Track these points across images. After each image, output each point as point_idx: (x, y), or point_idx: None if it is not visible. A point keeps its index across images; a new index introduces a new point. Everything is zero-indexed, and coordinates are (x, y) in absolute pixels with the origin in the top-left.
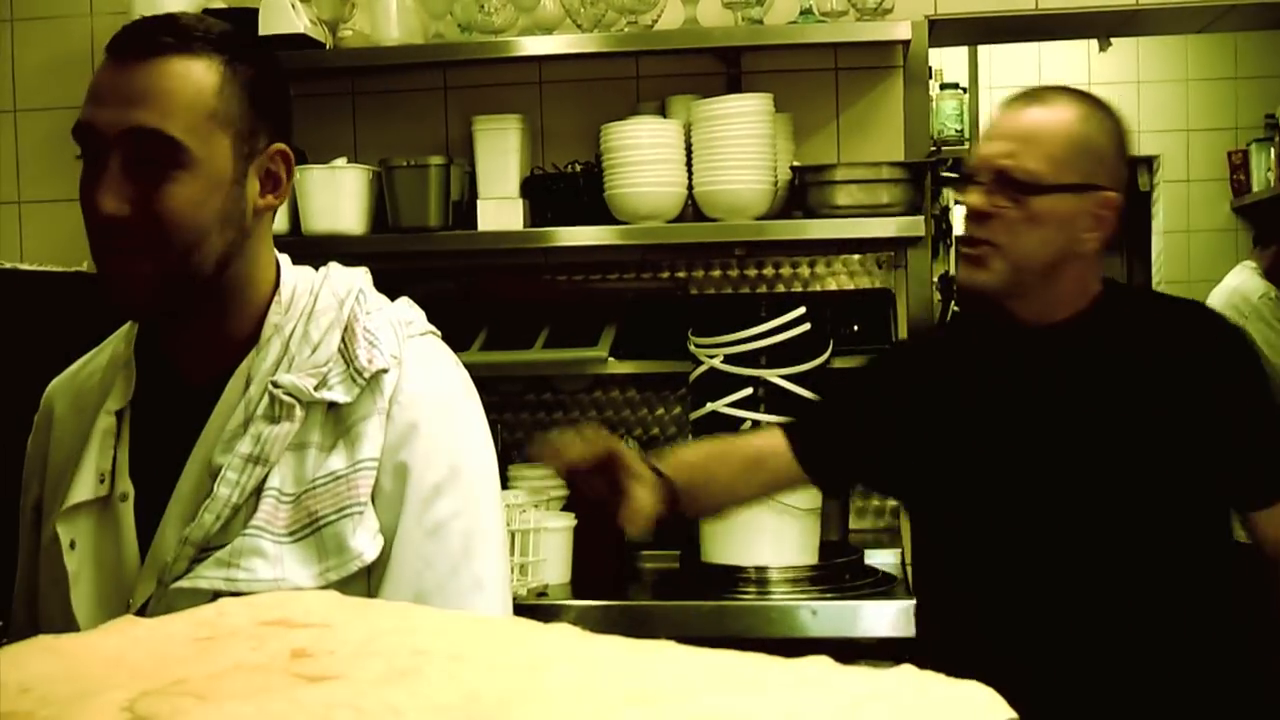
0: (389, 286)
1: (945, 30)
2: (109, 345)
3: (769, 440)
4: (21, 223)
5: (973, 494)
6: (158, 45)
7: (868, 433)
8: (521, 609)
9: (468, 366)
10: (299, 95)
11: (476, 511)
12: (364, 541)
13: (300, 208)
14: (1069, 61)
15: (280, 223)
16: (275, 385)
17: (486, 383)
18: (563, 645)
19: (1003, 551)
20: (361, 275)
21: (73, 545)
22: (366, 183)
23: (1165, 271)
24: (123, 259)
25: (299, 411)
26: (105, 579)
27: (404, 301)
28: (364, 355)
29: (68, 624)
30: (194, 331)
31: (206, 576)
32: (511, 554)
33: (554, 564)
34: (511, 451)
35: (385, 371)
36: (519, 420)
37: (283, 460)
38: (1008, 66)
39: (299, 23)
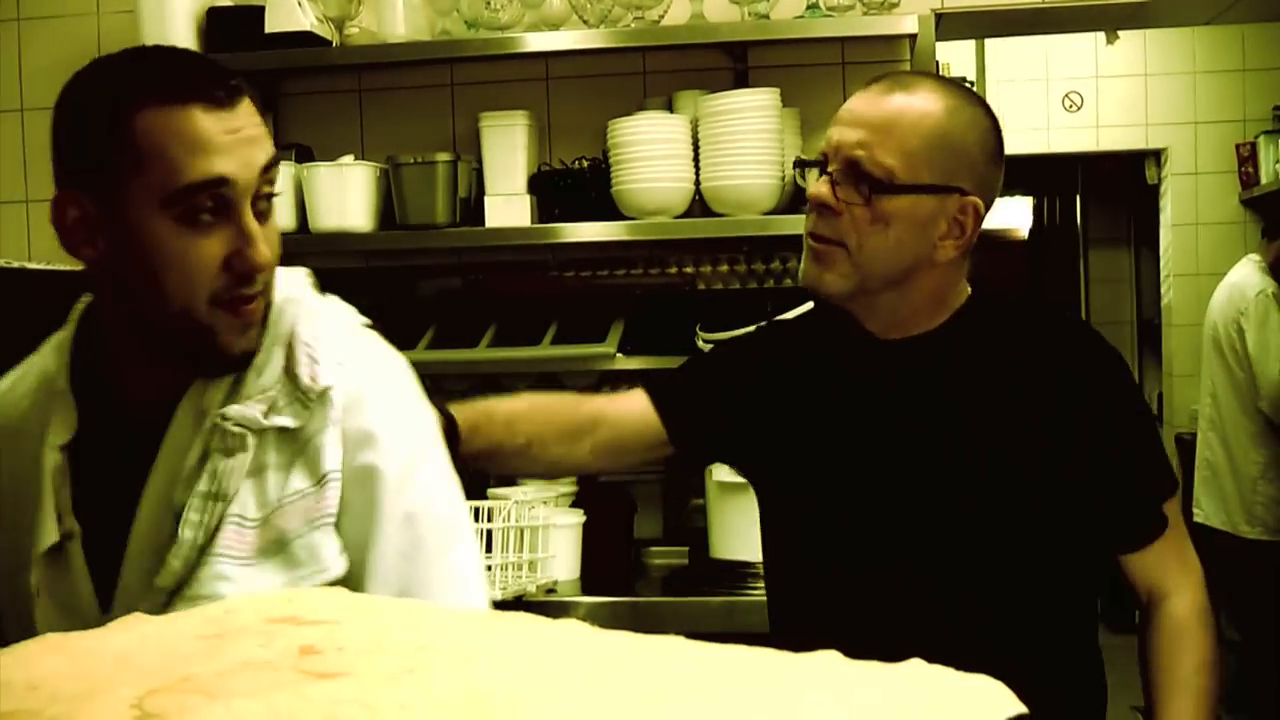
0: (396, 283)
1: (952, 24)
2: (30, 367)
3: (625, 402)
4: (29, 221)
5: (815, 498)
6: (238, 88)
7: (731, 406)
8: (530, 605)
9: (475, 364)
10: (306, 93)
11: (443, 501)
12: (334, 554)
13: (307, 205)
14: (1076, 55)
15: (288, 220)
16: (224, 418)
17: (494, 379)
18: (572, 642)
19: (841, 564)
20: (300, 280)
21: (37, 593)
22: (374, 180)
23: (1174, 265)
24: (255, 305)
25: (251, 440)
26: (64, 622)
27: (335, 301)
28: (306, 374)
29: None
30: (139, 365)
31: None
32: (520, 550)
33: (563, 560)
34: None
35: (329, 387)
36: None
37: (242, 488)
38: (1014, 60)
39: (305, 20)
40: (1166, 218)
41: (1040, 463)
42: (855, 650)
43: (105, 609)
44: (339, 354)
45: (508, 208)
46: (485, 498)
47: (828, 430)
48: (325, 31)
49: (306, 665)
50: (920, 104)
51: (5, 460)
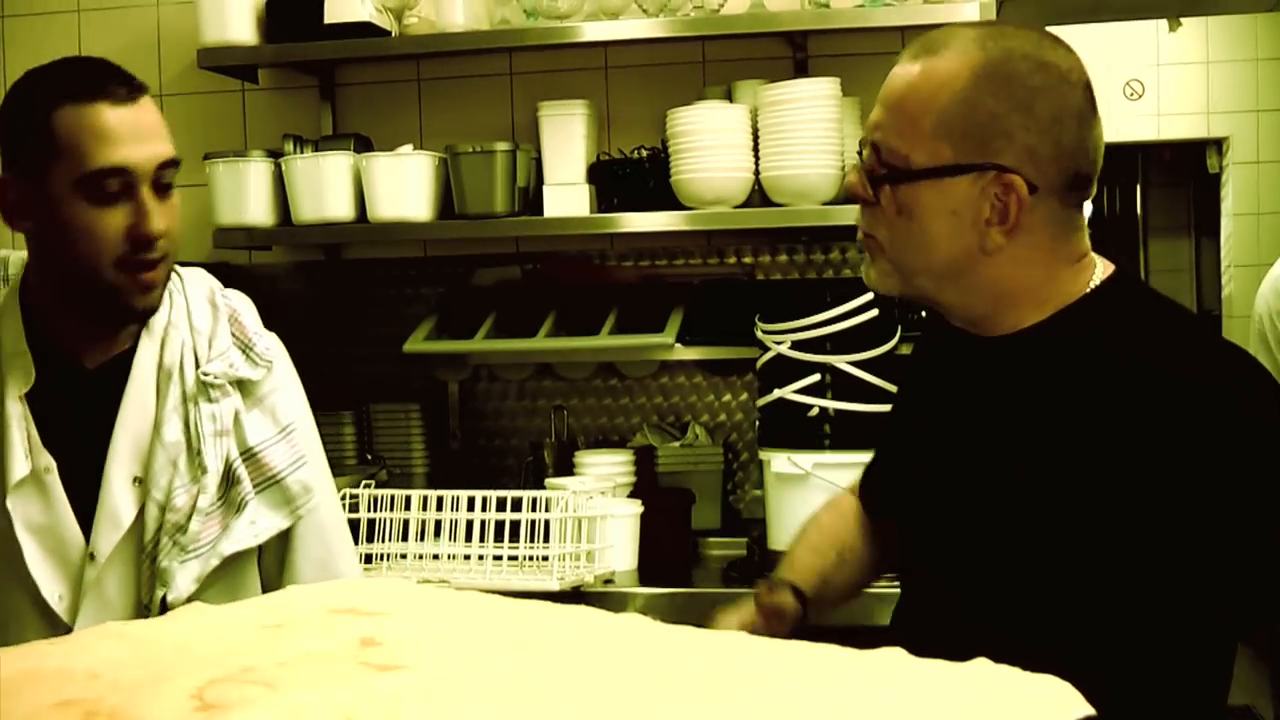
0: (455, 273)
1: (1014, 11)
2: None
3: (849, 511)
4: None
5: (909, 498)
6: (140, 88)
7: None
8: (588, 596)
9: (534, 352)
10: (364, 83)
11: (324, 462)
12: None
13: (366, 195)
14: (1137, 42)
15: (346, 209)
16: (206, 374)
17: (553, 368)
18: (633, 636)
19: (913, 568)
20: (204, 271)
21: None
22: (433, 169)
23: (1235, 255)
24: (155, 272)
25: (231, 388)
26: (46, 544)
27: (236, 292)
28: (260, 345)
29: (28, 591)
30: (87, 325)
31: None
32: (578, 541)
33: (621, 551)
34: (578, 437)
35: (274, 358)
36: (585, 406)
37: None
38: (1077, 47)
39: (364, 10)
40: (1228, 207)
41: (1084, 511)
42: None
43: (86, 534)
44: (260, 331)
45: (566, 197)
46: (543, 488)
47: (924, 428)
48: (384, 21)
49: (367, 657)
50: (942, 69)
51: None
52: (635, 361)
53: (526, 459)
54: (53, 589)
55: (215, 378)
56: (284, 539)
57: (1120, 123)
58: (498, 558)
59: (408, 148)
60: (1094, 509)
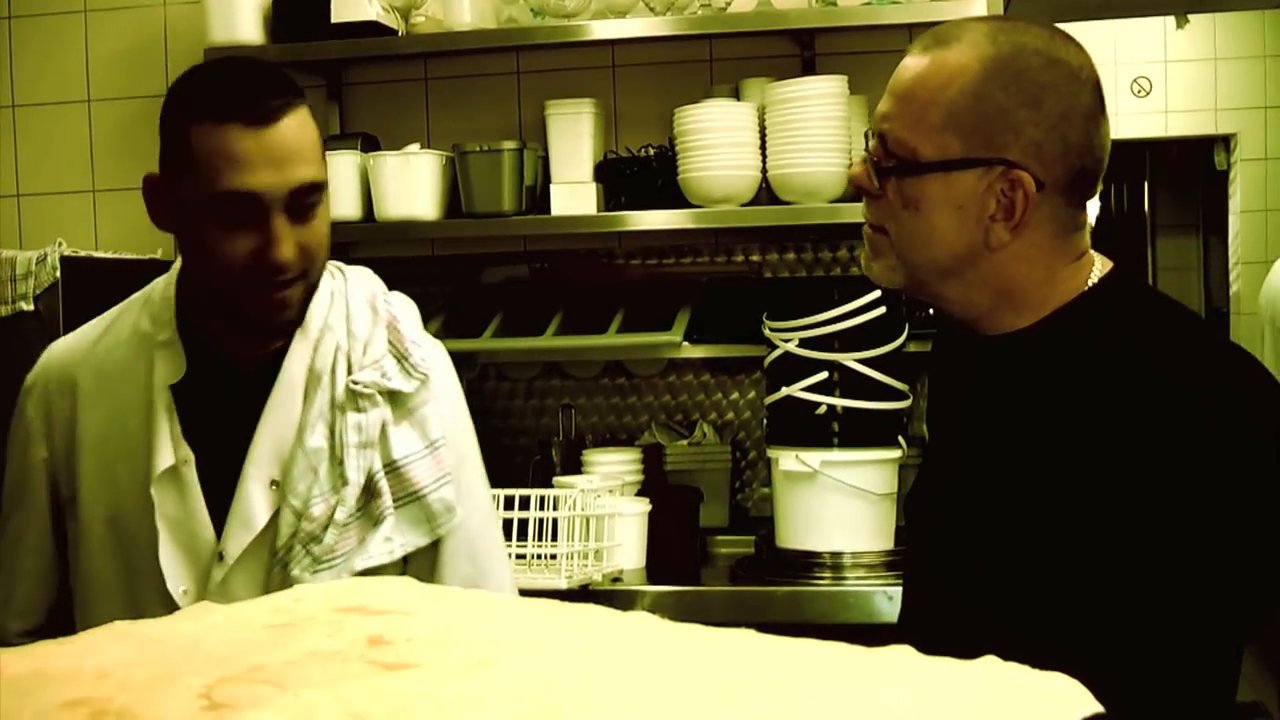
0: (462, 272)
1: (1022, 9)
2: (119, 321)
3: None
4: (96, 211)
5: (915, 496)
6: (283, 107)
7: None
8: (596, 594)
9: (542, 351)
10: (371, 82)
11: (485, 482)
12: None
13: (374, 194)
14: (1145, 39)
15: (353, 209)
16: (356, 383)
17: (561, 367)
18: (642, 635)
19: (918, 570)
20: (370, 272)
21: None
22: (440, 168)
23: (1242, 252)
24: (287, 293)
25: (380, 399)
26: (178, 537)
27: (400, 296)
28: (416, 355)
29: (156, 581)
30: (223, 319)
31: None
32: (586, 539)
33: (629, 549)
34: (585, 436)
35: (429, 370)
36: (593, 405)
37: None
38: (1084, 44)
39: (371, 10)
40: (1236, 204)
41: (1074, 513)
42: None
43: (217, 531)
44: (425, 343)
45: (574, 196)
46: (551, 486)
47: (935, 428)
48: (391, 21)
49: (375, 656)
50: (953, 61)
51: (104, 400)
52: (643, 360)
53: (534, 457)
54: (178, 583)
55: (365, 387)
56: (432, 553)
57: (1128, 120)
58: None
59: (415, 147)
60: (1091, 507)
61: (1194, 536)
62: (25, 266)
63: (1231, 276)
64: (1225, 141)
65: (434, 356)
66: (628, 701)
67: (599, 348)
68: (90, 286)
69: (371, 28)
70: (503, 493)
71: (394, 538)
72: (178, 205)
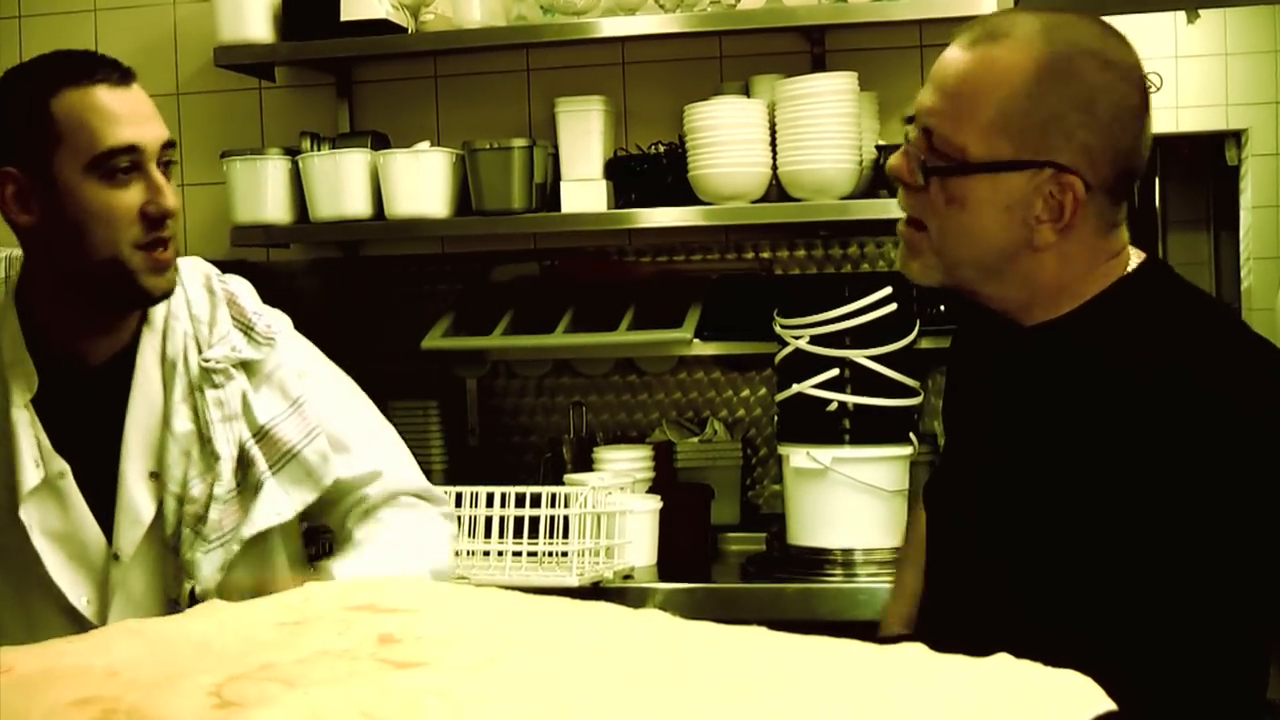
0: (473, 269)
1: (1031, 4)
2: None
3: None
4: None
5: (938, 486)
6: (130, 73)
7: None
8: (608, 591)
9: (552, 349)
10: (381, 80)
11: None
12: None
13: (383, 192)
14: (1155, 34)
15: (363, 207)
16: (208, 360)
17: (571, 365)
18: (654, 632)
19: (937, 555)
20: (199, 259)
21: (30, 528)
22: (450, 166)
23: (1254, 247)
24: (168, 250)
25: (235, 371)
26: (67, 549)
27: (233, 276)
28: (261, 324)
29: (53, 597)
30: (92, 322)
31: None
32: (597, 536)
33: (640, 546)
34: (596, 433)
35: (275, 335)
36: (604, 402)
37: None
38: None
39: (381, 7)
40: (1247, 199)
41: (1106, 499)
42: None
43: (106, 534)
44: (260, 310)
45: (584, 193)
46: (562, 484)
47: (961, 418)
48: (400, 18)
49: (385, 654)
50: (1005, 60)
51: None
52: (653, 357)
53: (545, 455)
54: (78, 593)
55: (217, 363)
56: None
57: None
58: (517, 554)
59: (425, 145)
60: (1117, 500)
61: (1228, 528)
62: (14, 267)
63: (1243, 272)
64: (1236, 137)
65: (277, 321)
66: (638, 699)
67: (609, 345)
68: None
69: (381, 25)
70: (514, 490)
71: (280, 499)
72: (46, 187)
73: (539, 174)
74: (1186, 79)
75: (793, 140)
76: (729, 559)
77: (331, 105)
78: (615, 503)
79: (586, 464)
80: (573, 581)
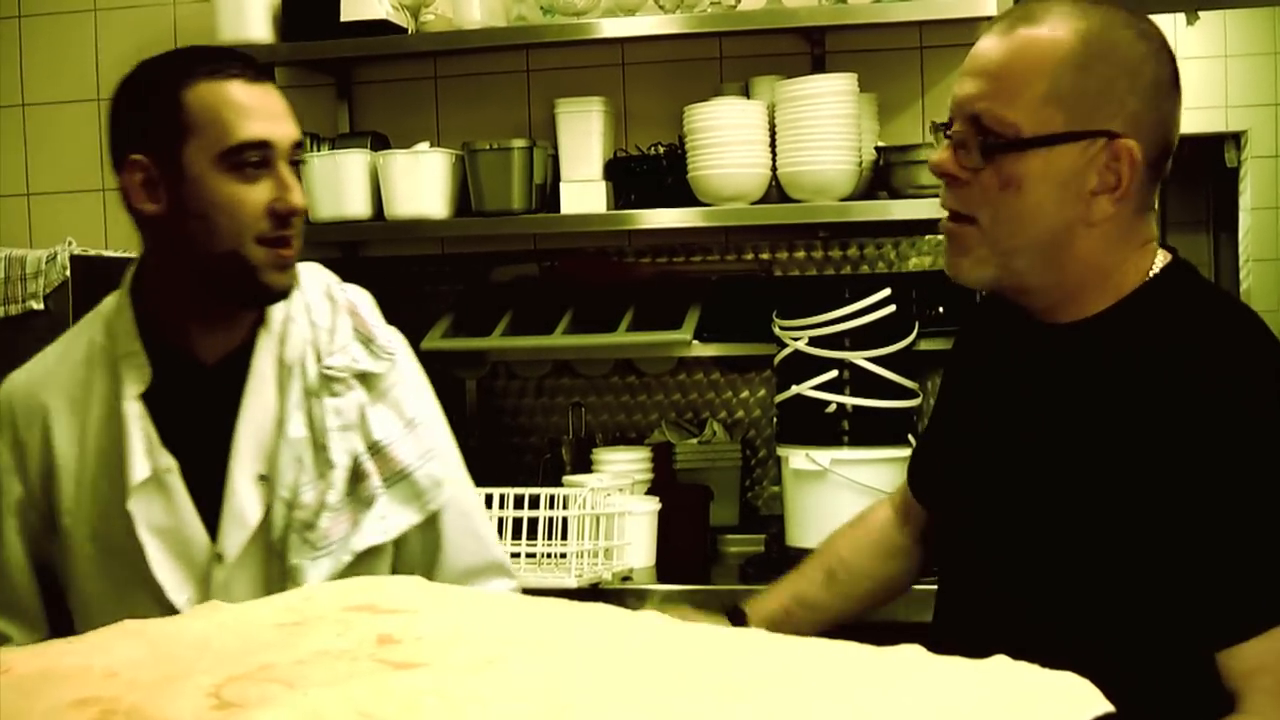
0: (472, 270)
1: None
2: (74, 343)
3: (874, 526)
4: (105, 210)
5: (949, 489)
6: (266, 72)
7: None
8: (606, 593)
9: (551, 349)
10: (381, 81)
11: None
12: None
13: (383, 192)
14: None
15: (363, 207)
16: (329, 368)
17: (570, 366)
18: (652, 634)
19: (948, 558)
20: (319, 266)
21: (136, 521)
22: (449, 166)
23: (1253, 249)
24: (292, 247)
25: (354, 381)
26: (170, 545)
27: (354, 286)
28: (382, 337)
29: (153, 594)
30: (208, 317)
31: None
32: (596, 537)
33: (639, 548)
34: (595, 434)
35: (395, 351)
36: (603, 403)
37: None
38: None
39: (381, 8)
40: (1246, 201)
41: (1130, 503)
42: (953, 642)
43: (211, 534)
44: (380, 323)
45: (584, 194)
46: (560, 485)
47: (976, 415)
48: (401, 19)
49: (384, 655)
50: (1047, 35)
51: (75, 421)
52: (653, 358)
53: (544, 456)
54: (179, 592)
55: (338, 371)
56: (430, 530)
57: None
58: (515, 555)
59: (424, 145)
60: (1140, 500)
61: (1239, 527)
62: (35, 265)
63: (1242, 274)
64: (1236, 139)
65: (396, 340)
66: (637, 701)
67: (609, 346)
68: (100, 285)
69: (381, 26)
70: (513, 491)
71: (387, 516)
72: (175, 177)
73: (539, 175)
74: (1186, 81)
75: (792, 141)
76: (728, 560)
77: (331, 106)
78: (614, 504)
79: (585, 465)
80: (571, 583)
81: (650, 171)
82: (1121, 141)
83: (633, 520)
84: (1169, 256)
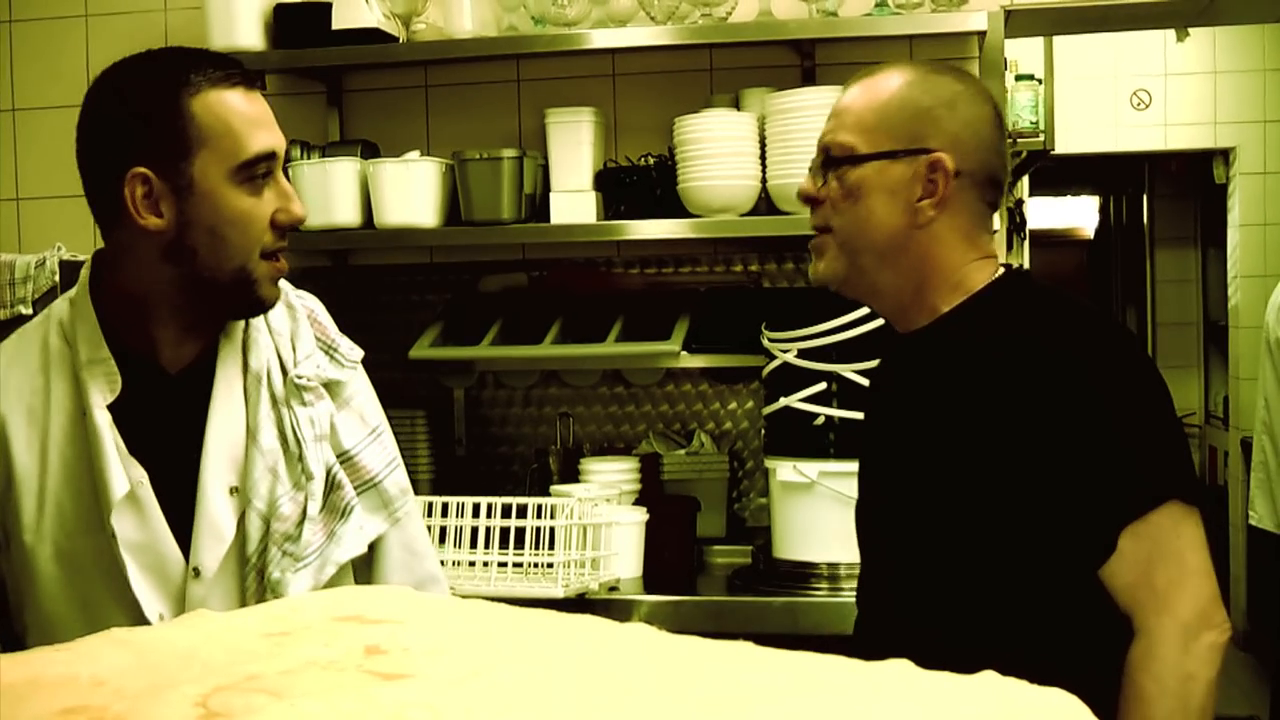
0: (461, 279)
1: (1021, 21)
2: (27, 347)
3: None
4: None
5: (859, 496)
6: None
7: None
8: (593, 603)
9: (540, 359)
10: (372, 89)
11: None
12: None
13: (373, 201)
14: (1145, 52)
15: (353, 216)
16: (300, 377)
17: (559, 376)
18: (639, 646)
19: (864, 559)
20: None
21: (113, 537)
22: (440, 175)
23: (1241, 265)
24: (284, 259)
25: (323, 390)
26: (145, 561)
27: (306, 293)
28: (345, 345)
29: (129, 610)
30: (172, 325)
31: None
32: (583, 548)
33: (626, 558)
34: (583, 445)
35: (359, 358)
36: (591, 413)
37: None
38: (1083, 58)
39: (372, 17)
40: (1234, 217)
41: (999, 474)
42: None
43: (184, 548)
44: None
45: (573, 204)
46: (548, 495)
47: (867, 429)
48: (392, 28)
49: (372, 665)
50: (881, 81)
51: (34, 434)
52: (641, 369)
53: (532, 466)
54: (154, 608)
55: (308, 380)
56: (372, 546)
57: (1127, 132)
58: (503, 565)
59: (415, 154)
60: (1000, 482)
61: (1086, 474)
62: (24, 270)
63: (1230, 290)
64: (1224, 155)
65: (353, 348)
66: (623, 713)
67: (597, 357)
68: None
69: (372, 35)
70: (500, 501)
71: (365, 526)
72: (182, 191)
73: (529, 184)
74: (1175, 97)
75: (782, 153)
76: (715, 572)
77: (321, 114)
78: (601, 514)
79: (573, 475)
80: (558, 593)
81: (640, 182)
82: (937, 155)
83: (620, 531)
84: (1005, 268)
